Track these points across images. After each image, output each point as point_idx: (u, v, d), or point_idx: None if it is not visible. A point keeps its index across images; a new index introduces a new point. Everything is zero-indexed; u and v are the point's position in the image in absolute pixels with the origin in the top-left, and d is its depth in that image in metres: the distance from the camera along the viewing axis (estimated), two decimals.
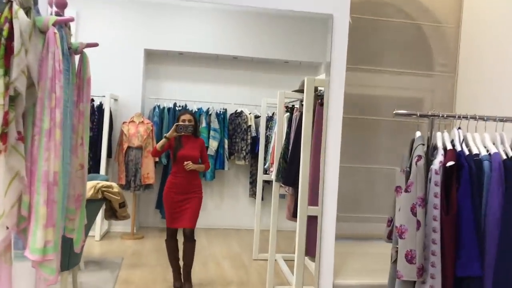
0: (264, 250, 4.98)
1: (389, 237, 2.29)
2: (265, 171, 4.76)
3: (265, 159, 4.80)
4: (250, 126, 5.99)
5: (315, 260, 2.76)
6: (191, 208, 3.77)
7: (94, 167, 5.39)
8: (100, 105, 5.50)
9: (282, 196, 4.15)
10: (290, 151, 3.48)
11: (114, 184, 3.39)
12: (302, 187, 2.83)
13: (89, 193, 3.24)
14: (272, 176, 4.10)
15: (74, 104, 1.97)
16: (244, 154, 6.01)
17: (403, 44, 3.49)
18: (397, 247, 2.04)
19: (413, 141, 2.19)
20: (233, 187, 6.14)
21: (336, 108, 1.82)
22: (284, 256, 4.75)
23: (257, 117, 6.10)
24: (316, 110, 2.90)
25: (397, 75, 3.38)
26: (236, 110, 6.07)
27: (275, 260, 4.11)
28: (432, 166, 2.04)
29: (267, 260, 4.67)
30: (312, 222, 2.86)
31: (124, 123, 5.58)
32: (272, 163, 4.34)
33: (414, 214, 2.00)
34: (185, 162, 3.75)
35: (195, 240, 3.88)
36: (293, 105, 3.86)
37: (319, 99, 2.94)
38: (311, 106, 2.84)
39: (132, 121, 5.57)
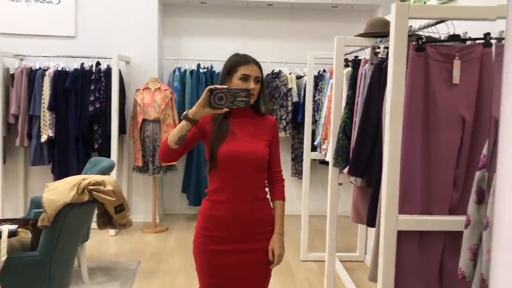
0: (314, 247, 3.96)
1: None
2: (314, 148, 3.67)
3: (314, 132, 3.69)
4: (291, 89, 4.87)
5: None
6: (252, 279, 1.87)
7: (105, 147, 4.44)
8: (108, 69, 4.47)
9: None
10: (357, 124, 2.38)
11: (108, 179, 2.42)
12: (388, 186, 1.76)
13: (70, 194, 2.28)
14: (327, 157, 3.02)
15: None
16: (284, 124, 4.94)
17: None
18: None
19: None
20: None
21: None
22: (341, 256, 3.70)
23: (299, 77, 4.96)
24: (410, 60, 1.78)
25: None
26: (273, 70, 4.94)
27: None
28: None
29: (318, 261, 3.67)
30: (408, 241, 1.79)
31: (137, 90, 4.56)
32: (326, 139, 3.25)
33: None
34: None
35: None
36: (356, 57, 2.72)
37: (412, 42, 1.82)
38: (403, 53, 1.72)
39: (147, 88, 4.52)
